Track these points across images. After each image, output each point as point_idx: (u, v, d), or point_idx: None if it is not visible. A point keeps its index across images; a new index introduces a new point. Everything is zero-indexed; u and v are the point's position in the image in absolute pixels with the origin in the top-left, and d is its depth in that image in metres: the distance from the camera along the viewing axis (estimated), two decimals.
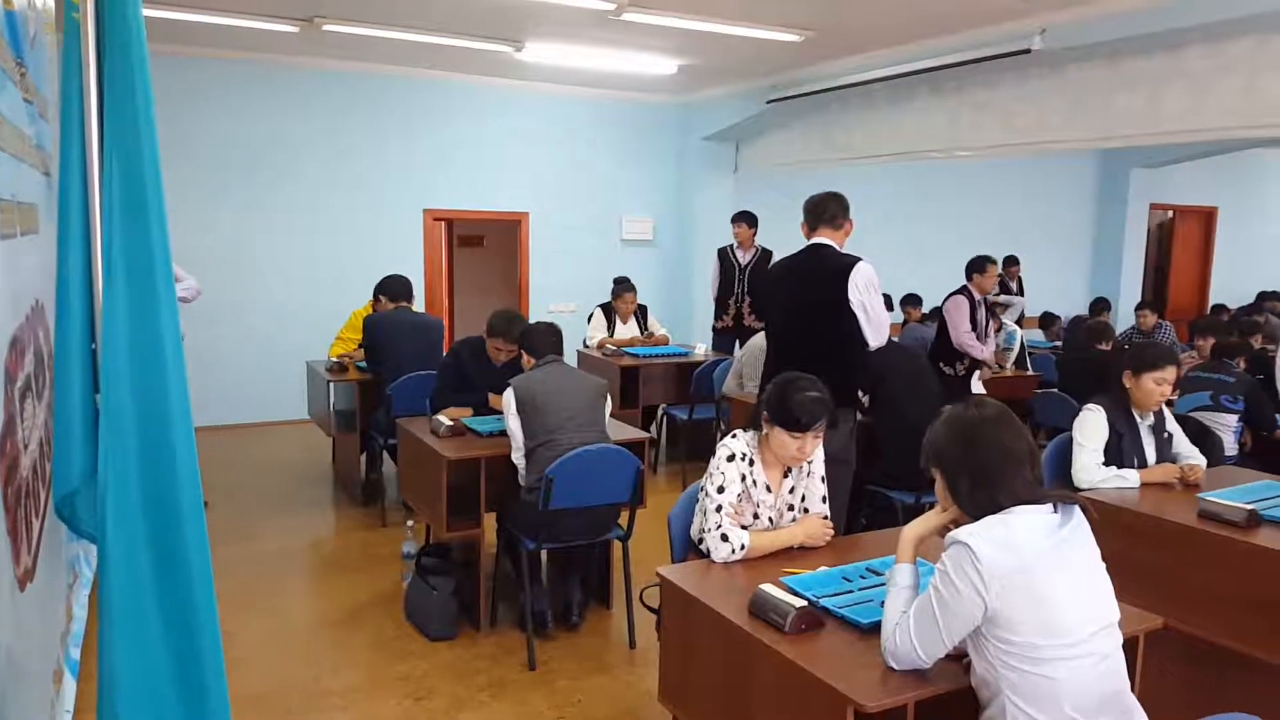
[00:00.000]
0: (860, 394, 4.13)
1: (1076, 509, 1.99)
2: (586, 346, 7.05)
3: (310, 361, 6.24)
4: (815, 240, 4.06)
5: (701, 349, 7.01)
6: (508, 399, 3.75)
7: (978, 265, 6.58)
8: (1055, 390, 6.62)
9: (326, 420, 5.92)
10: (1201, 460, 3.75)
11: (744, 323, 7.52)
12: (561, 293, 8.87)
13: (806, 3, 5.36)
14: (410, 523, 4.39)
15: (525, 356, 4.04)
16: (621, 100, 8.87)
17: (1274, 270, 12.73)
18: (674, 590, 2.51)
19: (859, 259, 3.97)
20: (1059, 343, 9.29)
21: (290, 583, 4.63)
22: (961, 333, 6.08)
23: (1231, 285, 12.39)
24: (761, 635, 2.17)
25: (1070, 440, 3.82)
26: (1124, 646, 2.17)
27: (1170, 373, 3.64)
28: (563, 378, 3.85)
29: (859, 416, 4.21)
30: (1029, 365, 7.84)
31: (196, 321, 6.45)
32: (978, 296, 6.25)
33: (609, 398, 4.04)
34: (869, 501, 4.94)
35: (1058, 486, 3.83)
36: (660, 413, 7.18)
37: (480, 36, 6.45)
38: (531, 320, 7.54)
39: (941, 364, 6.37)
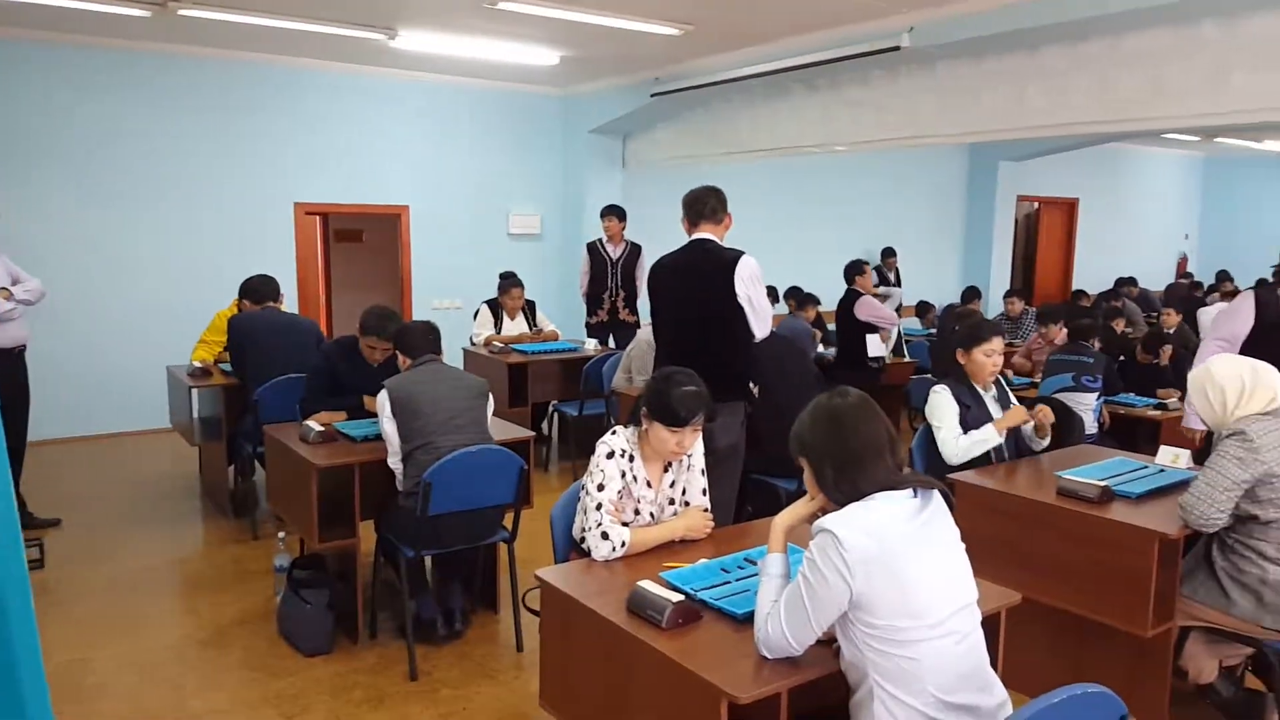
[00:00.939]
0: (751, 385, 4.17)
1: (935, 493, 2.04)
2: (473, 344, 6.94)
3: (171, 366, 5.91)
4: (697, 235, 4.08)
5: (592, 344, 6.99)
6: (382, 401, 3.63)
7: (856, 268, 7.32)
8: (930, 376, 6.86)
9: (190, 429, 5.64)
10: (1044, 443, 3.97)
11: (619, 317, 7.55)
12: (445, 289, 8.70)
13: None
14: (283, 535, 4.22)
15: (401, 357, 3.91)
16: (504, 91, 8.75)
17: (1131, 258, 13.50)
18: (553, 592, 2.48)
19: (743, 253, 4.00)
20: (934, 330, 9.62)
21: (153, 603, 4.38)
22: (886, 313, 6.97)
23: (1092, 272, 13.09)
24: (639, 633, 2.16)
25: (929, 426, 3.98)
26: (987, 622, 2.25)
27: (997, 343, 3.89)
28: (441, 378, 3.75)
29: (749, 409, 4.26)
30: (906, 352, 8.10)
31: (43, 326, 6.10)
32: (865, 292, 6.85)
33: (491, 397, 3.96)
34: (753, 489, 5.02)
35: (929, 469, 3.97)
36: (551, 410, 7.13)
37: (349, 23, 6.26)
38: (415, 318, 7.43)
39: (868, 362, 7.04)
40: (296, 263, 8.09)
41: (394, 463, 3.68)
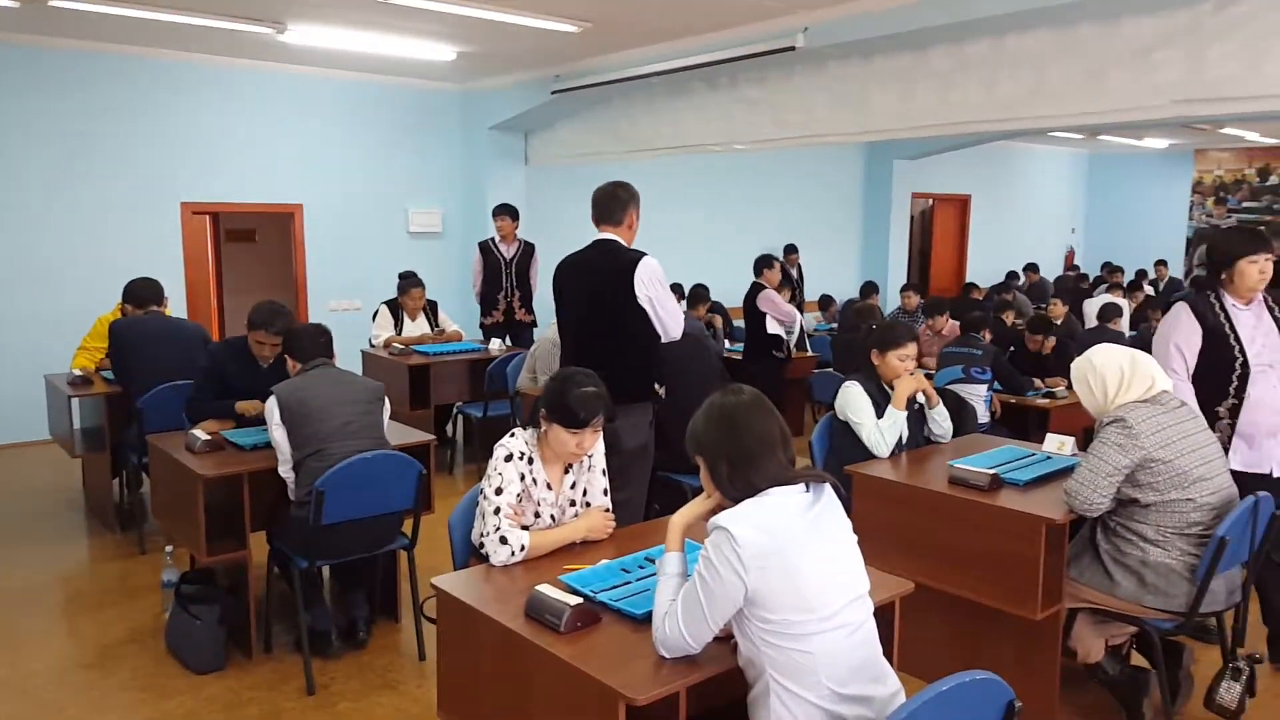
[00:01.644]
0: (657, 386, 4.13)
1: (827, 486, 2.07)
2: (372, 346, 6.78)
3: (49, 375, 5.60)
4: (601, 235, 4.02)
5: (496, 345, 6.89)
6: (270, 408, 3.50)
7: (766, 262, 7.46)
8: (831, 370, 7.00)
9: (70, 439, 5.35)
10: (946, 426, 4.09)
11: (515, 317, 7.49)
12: (343, 289, 8.49)
13: None
14: (171, 549, 4.04)
15: (290, 362, 3.77)
16: (402, 86, 8.58)
17: (1020, 251, 14.00)
18: (449, 600, 2.42)
19: (643, 254, 3.94)
20: (835, 324, 9.82)
21: (33, 624, 4.15)
22: (786, 308, 7.14)
23: (984, 266, 13.54)
24: (537, 638, 2.13)
25: (834, 417, 4.05)
26: (882, 612, 2.29)
27: (911, 349, 3.98)
28: (333, 382, 3.63)
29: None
30: (808, 346, 8.24)
31: None
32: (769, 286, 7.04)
33: (387, 401, 3.86)
34: (659, 487, 5.02)
35: (829, 459, 4.04)
36: (455, 412, 7.02)
37: (235, 16, 6.04)
38: (312, 320, 7.21)
39: (774, 351, 7.15)
40: (185, 264, 7.77)
41: (284, 471, 3.56)
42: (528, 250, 7.57)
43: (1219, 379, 3.56)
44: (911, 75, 5.52)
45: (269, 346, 4.14)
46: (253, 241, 9.65)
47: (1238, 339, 3.54)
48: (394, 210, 8.76)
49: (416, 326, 6.90)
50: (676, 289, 9.23)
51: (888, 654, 2.27)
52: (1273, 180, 13.95)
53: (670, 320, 3.99)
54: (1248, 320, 3.58)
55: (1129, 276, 12.19)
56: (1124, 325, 7.86)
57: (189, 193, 7.71)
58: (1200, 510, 2.99)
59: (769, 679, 1.93)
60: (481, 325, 7.57)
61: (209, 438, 3.79)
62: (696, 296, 8.37)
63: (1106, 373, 3.13)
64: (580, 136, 8.28)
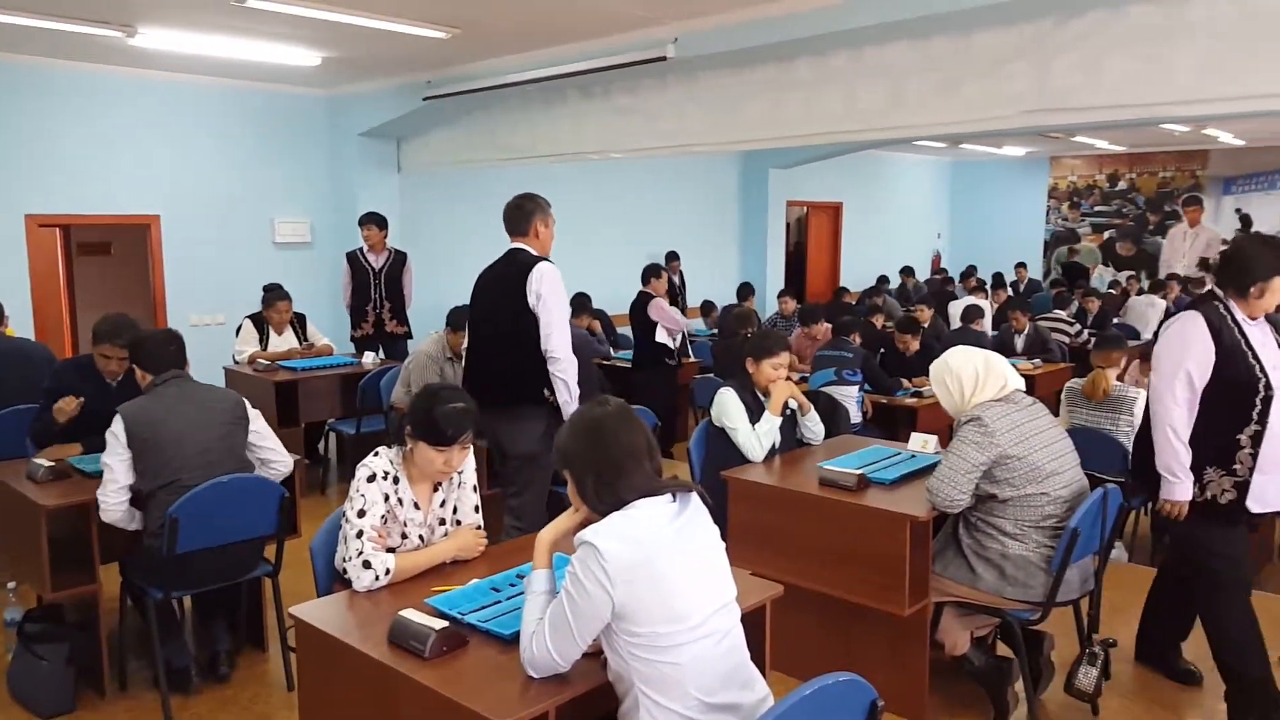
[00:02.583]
0: (547, 393, 4.08)
1: (694, 495, 2.07)
2: (236, 362, 6.50)
3: None
4: (512, 245, 4.15)
5: (369, 358, 6.71)
6: (116, 431, 3.25)
7: (654, 271, 7.58)
8: (712, 375, 7.07)
9: None
10: (818, 430, 4.17)
11: (386, 329, 7.32)
12: (206, 303, 8.10)
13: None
14: (12, 585, 3.77)
15: (140, 373, 3.50)
16: (265, 92, 8.26)
17: (890, 256, 14.49)
18: (309, 630, 2.32)
19: (541, 259, 4.05)
20: (716, 330, 9.93)
21: None
22: (676, 316, 7.20)
23: (857, 271, 13.96)
24: (400, 665, 2.06)
25: (710, 423, 4.08)
26: (753, 616, 2.30)
27: (784, 357, 4.05)
28: (189, 402, 3.39)
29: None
30: (690, 352, 8.31)
31: None
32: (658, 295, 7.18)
33: (254, 413, 3.66)
34: (552, 500, 4.97)
35: (706, 466, 4.07)
36: (327, 429, 6.79)
37: (79, 19, 5.69)
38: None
39: (667, 359, 7.22)
40: (31, 280, 7.28)
41: (106, 495, 3.26)
42: (399, 260, 7.41)
43: (1239, 402, 3.15)
44: (779, 86, 5.63)
45: (115, 361, 3.86)
46: (108, 255, 9.12)
47: (1256, 357, 3.15)
48: (259, 220, 8.43)
49: (283, 341, 6.65)
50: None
51: (759, 657, 2.30)
52: (1121, 185, 14.83)
53: (553, 331, 3.99)
54: (1257, 337, 3.20)
55: (993, 279, 12.79)
56: (986, 325, 8.20)
57: (35, 204, 7.23)
58: (1054, 503, 3.13)
59: (638, 692, 1.91)
60: (352, 338, 7.37)
61: (53, 465, 3.54)
62: (579, 306, 8.38)
63: (963, 374, 3.24)
64: (454, 143, 8.15)
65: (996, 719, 3.34)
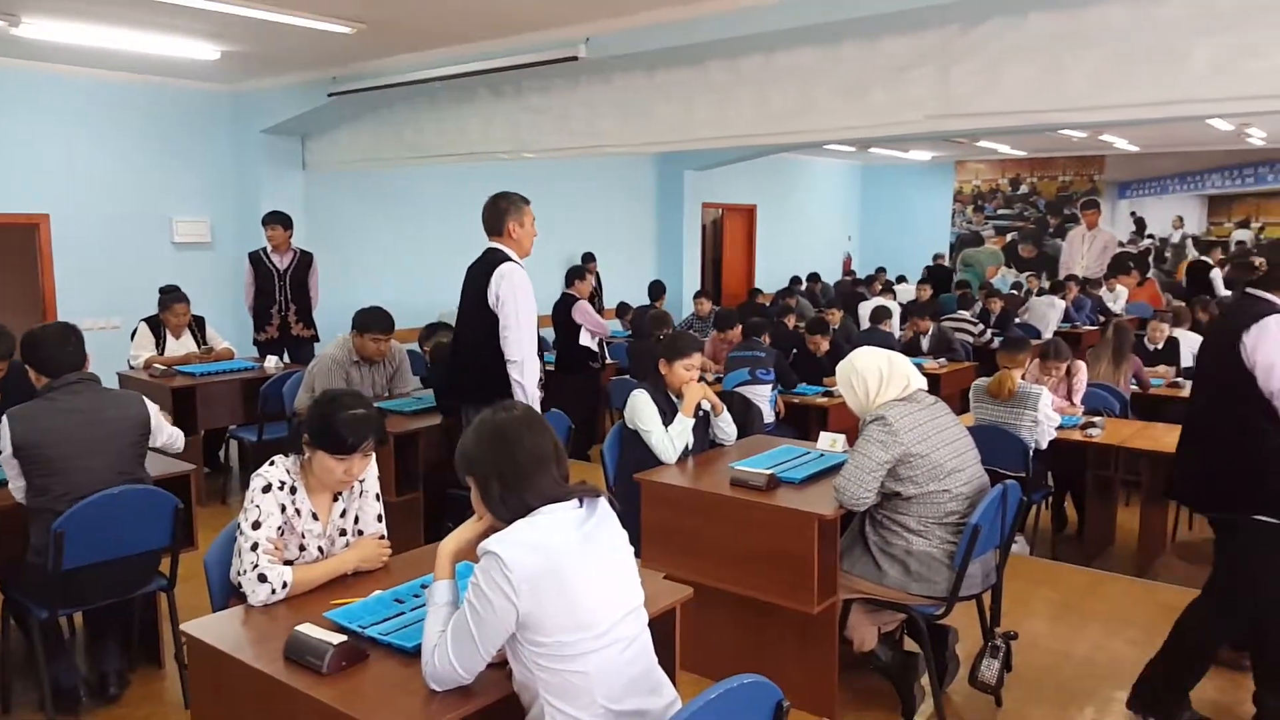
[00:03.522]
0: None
1: (601, 500, 2.04)
2: (131, 367, 6.25)
3: None
4: (489, 245, 4.27)
5: (272, 362, 6.51)
6: (2, 434, 3.08)
7: (578, 274, 7.66)
8: (628, 377, 7.06)
9: None
10: (730, 431, 4.19)
11: (291, 332, 7.13)
12: (99, 307, 7.74)
13: None
14: None
15: (34, 375, 3.28)
16: (162, 87, 7.94)
17: (803, 258, 14.72)
18: (201, 646, 2.23)
19: (509, 260, 4.15)
20: (631, 331, 9.94)
21: None
22: (600, 319, 7.27)
23: (771, 272, 14.14)
24: (297, 682, 1.99)
25: (623, 426, 4.07)
26: (665, 619, 2.29)
27: (696, 359, 4.06)
28: (84, 417, 3.17)
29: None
30: (607, 354, 8.29)
31: None
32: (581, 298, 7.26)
33: (159, 419, 3.51)
34: (452, 505, 4.89)
35: (622, 468, 4.05)
36: (228, 436, 6.57)
37: None
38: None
39: (590, 362, 7.22)
40: None
41: (16, 492, 3.18)
42: (305, 260, 7.22)
43: None
44: (691, 89, 5.64)
45: None
46: None
47: None
48: (157, 220, 8.09)
49: (181, 345, 6.41)
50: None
51: (670, 660, 2.29)
52: (1023, 189, 15.33)
53: (510, 332, 4.05)
54: None
55: (906, 281, 13.11)
56: (894, 326, 8.38)
57: None
58: (956, 500, 3.20)
59: (543, 702, 1.88)
60: (255, 342, 7.15)
61: None
62: None
63: (867, 374, 3.29)
64: (361, 141, 7.96)
65: (904, 713, 3.41)
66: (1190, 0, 3.99)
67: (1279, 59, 3.80)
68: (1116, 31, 4.19)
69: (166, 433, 3.62)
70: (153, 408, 3.50)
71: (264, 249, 7.11)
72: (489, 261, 4.16)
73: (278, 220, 7.05)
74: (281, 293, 7.08)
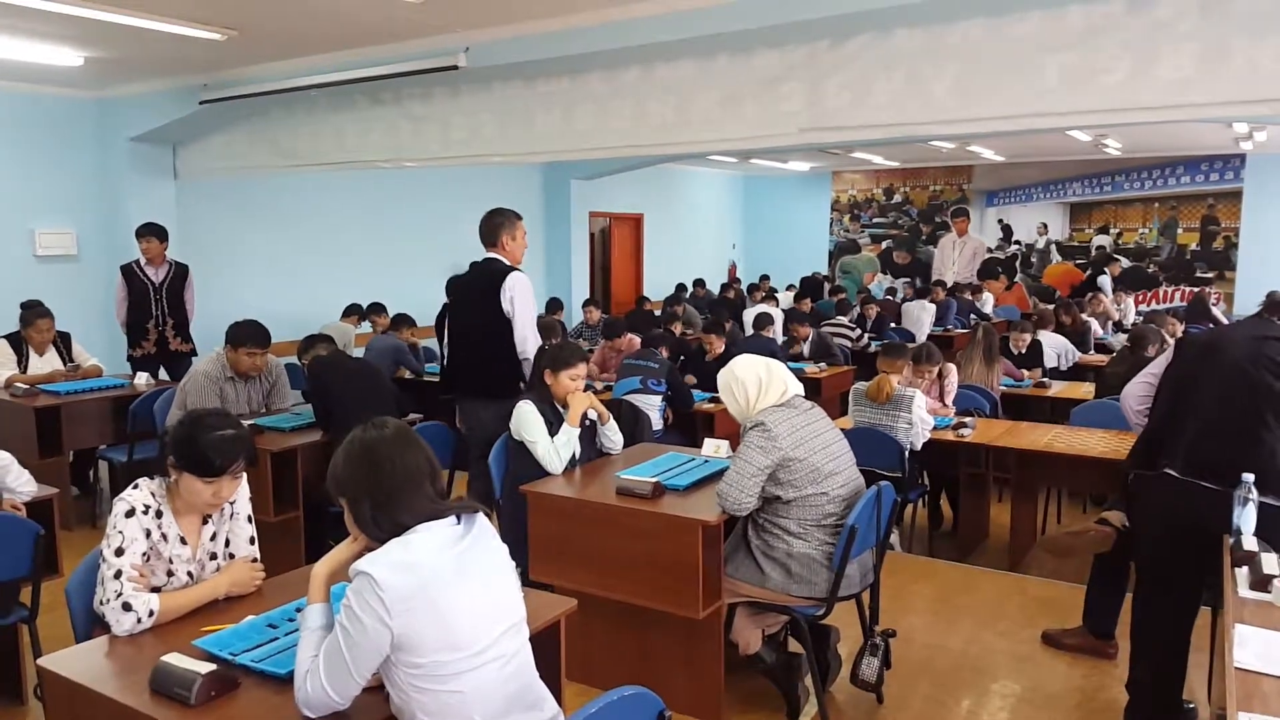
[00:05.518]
0: (522, 385, 4.64)
1: (480, 516, 2.04)
2: None
3: None
4: (486, 255, 4.80)
5: (142, 379, 6.24)
6: None
7: None
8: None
9: None
10: (617, 439, 4.22)
11: (170, 347, 6.88)
12: None
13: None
14: None
15: None
16: (21, 93, 7.52)
17: (689, 265, 14.92)
18: (59, 681, 2.13)
19: (515, 269, 4.73)
20: None
21: None
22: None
23: (658, 279, 14.29)
24: (164, 715, 1.92)
25: (509, 437, 4.05)
26: (549, 631, 2.29)
27: (581, 369, 4.08)
28: None
29: None
30: None
31: None
32: None
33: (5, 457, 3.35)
34: (334, 522, 4.78)
35: (509, 479, 4.03)
36: (97, 456, 6.26)
37: None
38: None
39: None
40: None
41: None
42: (180, 273, 6.96)
43: None
44: (571, 98, 5.67)
45: None
46: None
47: None
48: (17, 231, 7.66)
49: (45, 362, 6.10)
50: (355, 309, 8.91)
51: (554, 672, 2.29)
52: (897, 198, 15.90)
53: (527, 333, 4.67)
54: None
55: (785, 286, 13.39)
56: (777, 332, 8.57)
57: None
58: (833, 502, 3.30)
59: None
60: (130, 358, 6.85)
61: None
62: (401, 319, 8.16)
63: (747, 381, 3.37)
64: (236, 149, 7.70)
65: (789, 713, 3.49)
66: (1042, 18, 4.21)
67: (1123, 74, 4.05)
68: (975, 48, 4.39)
69: (14, 474, 3.46)
70: (4, 454, 3.42)
71: (137, 261, 6.83)
72: (495, 271, 4.68)
73: (152, 232, 6.78)
74: (158, 307, 6.81)
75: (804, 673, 3.51)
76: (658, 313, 10.95)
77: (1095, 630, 4.00)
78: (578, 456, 4.03)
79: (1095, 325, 9.24)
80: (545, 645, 2.19)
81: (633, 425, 5.22)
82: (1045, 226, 14.56)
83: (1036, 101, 4.28)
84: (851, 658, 3.54)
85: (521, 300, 4.67)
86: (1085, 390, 6.61)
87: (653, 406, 5.99)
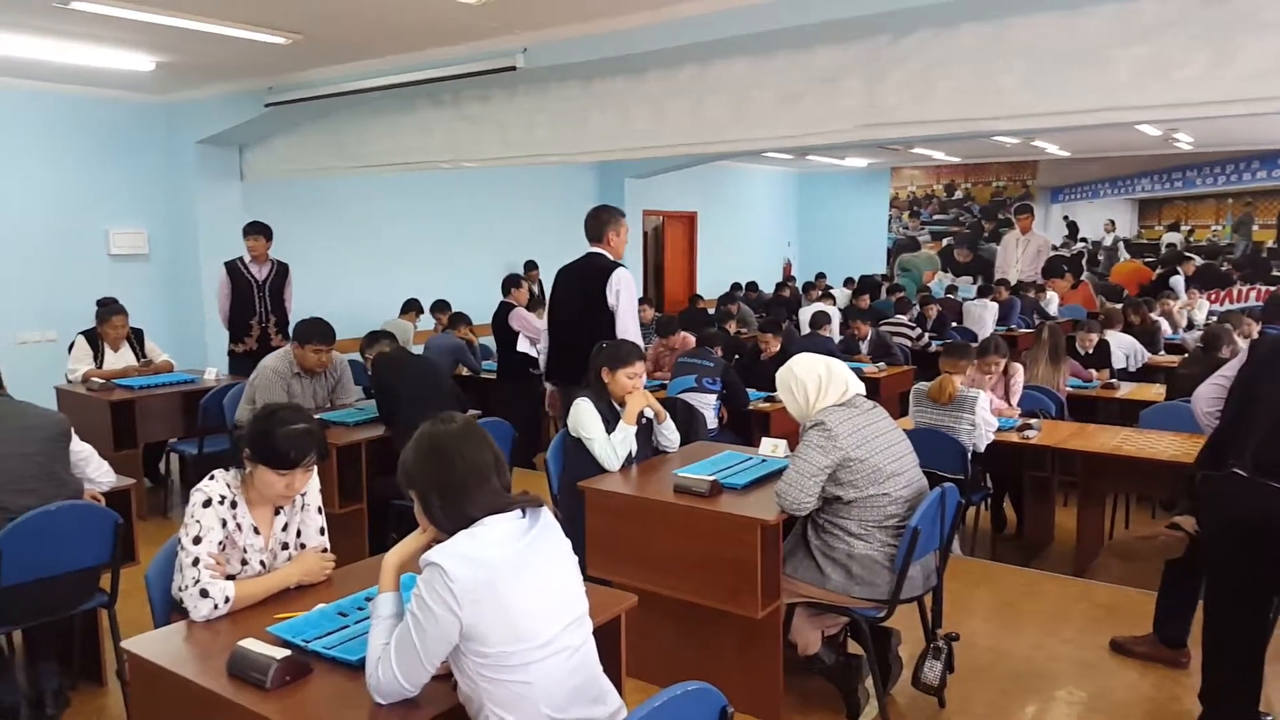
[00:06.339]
0: None
1: (544, 510, 2.06)
2: (70, 381, 6.11)
3: None
4: (590, 250, 5.02)
5: (213, 373, 6.42)
6: None
7: (515, 282, 7.74)
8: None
9: None
10: (674, 438, 4.22)
11: (271, 344, 7.02)
12: (35, 320, 7.56)
13: (287, 4, 5.08)
14: None
15: None
16: (96, 97, 7.78)
17: (743, 264, 14.87)
18: (142, 663, 2.20)
19: (619, 264, 4.94)
20: None
21: None
22: (538, 325, 7.05)
23: (711, 278, 14.25)
24: (240, 698, 1.98)
25: (566, 434, 4.08)
26: (609, 627, 2.31)
27: (639, 367, 4.08)
28: (2, 415, 3.22)
29: None
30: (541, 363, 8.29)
31: None
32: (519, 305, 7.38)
33: (74, 436, 3.47)
34: (397, 516, 4.86)
35: (566, 476, 4.06)
36: (167, 449, 6.45)
37: None
38: None
39: (530, 369, 7.16)
40: None
41: None
42: (281, 271, 7.13)
43: None
44: (627, 98, 5.69)
45: None
46: None
47: None
48: (92, 232, 7.92)
49: (119, 358, 6.28)
50: (414, 305, 9.06)
51: (615, 668, 2.31)
52: (958, 195, 15.65)
53: (628, 325, 4.85)
54: None
55: (839, 284, 13.26)
56: (834, 331, 8.51)
57: None
58: (895, 503, 3.26)
59: (488, 713, 1.89)
60: (232, 353, 7.02)
61: None
62: (458, 318, 8.29)
63: (806, 380, 3.35)
64: (300, 151, 7.87)
65: (848, 715, 3.46)
66: (1113, 12, 4.12)
67: (1196, 68, 3.95)
68: (1043, 42, 4.31)
69: (95, 464, 3.58)
70: (86, 445, 3.55)
71: (240, 259, 6.99)
72: (600, 266, 4.91)
73: (260, 230, 6.95)
74: (261, 304, 6.97)
75: (864, 675, 3.48)
76: (711, 311, 10.93)
77: (1166, 638, 3.90)
78: (634, 454, 4.04)
79: (1165, 325, 9.01)
80: (605, 641, 2.20)
81: (687, 424, 5.21)
82: (1113, 223, 14.22)
83: (1107, 96, 4.20)
84: (912, 661, 3.50)
85: (626, 294, 4.87)
86: (1155, 392, 6.46)
87: (707, 405, 5.98)
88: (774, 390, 6.22)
